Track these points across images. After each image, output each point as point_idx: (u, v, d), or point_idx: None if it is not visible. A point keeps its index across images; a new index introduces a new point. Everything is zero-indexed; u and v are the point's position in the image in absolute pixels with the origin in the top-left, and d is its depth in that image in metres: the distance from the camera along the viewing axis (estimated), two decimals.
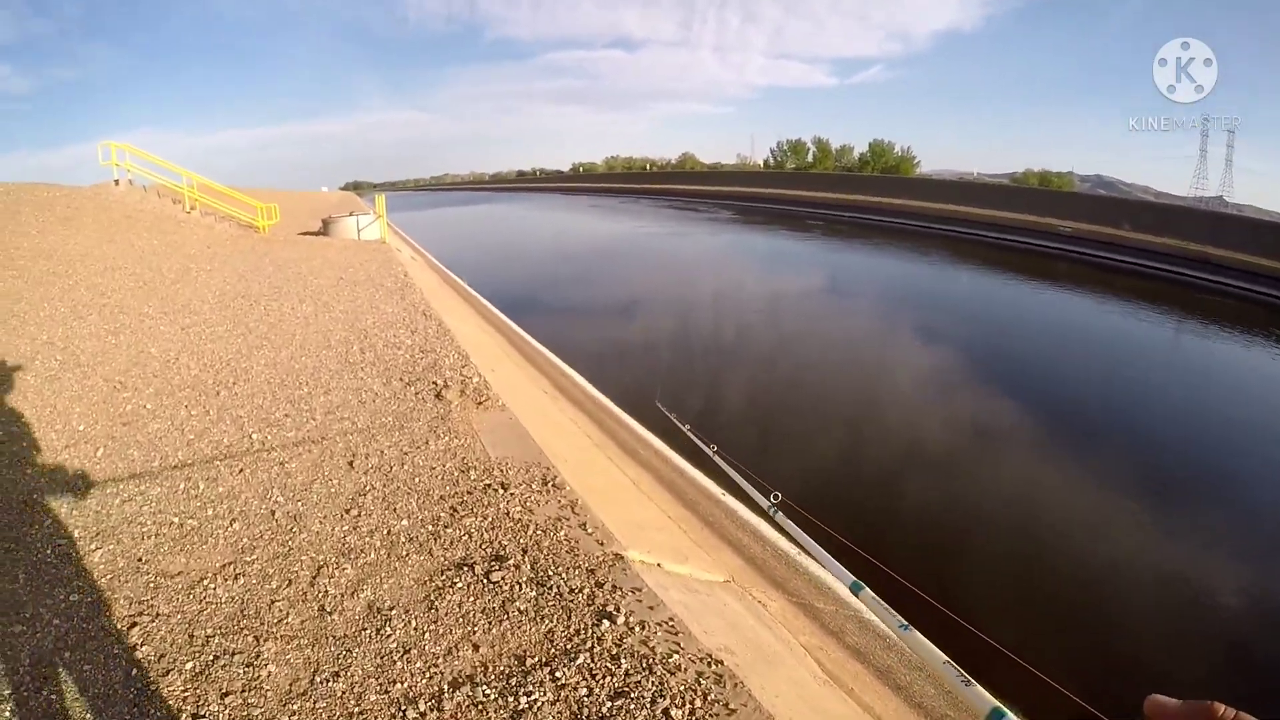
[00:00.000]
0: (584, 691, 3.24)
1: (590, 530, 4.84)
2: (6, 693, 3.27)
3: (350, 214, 24.85)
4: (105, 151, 22.53)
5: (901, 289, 25.25)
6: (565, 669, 3.38)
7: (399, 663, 3.45)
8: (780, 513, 3.66)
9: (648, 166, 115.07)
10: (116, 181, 22.94)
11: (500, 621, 3.78)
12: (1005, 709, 1.75)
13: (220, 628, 3.73)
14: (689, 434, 5.20)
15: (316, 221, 25.91)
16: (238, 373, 8.28)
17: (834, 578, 3.66)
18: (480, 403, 7.26)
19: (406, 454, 6.04)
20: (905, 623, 2.37)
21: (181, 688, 3.28)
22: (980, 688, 1.85)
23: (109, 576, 4.18)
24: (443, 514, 4.98)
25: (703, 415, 10.65)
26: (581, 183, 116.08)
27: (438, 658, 3.49)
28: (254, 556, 4.42)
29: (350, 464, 5.81)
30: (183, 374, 8.25)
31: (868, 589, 2.85)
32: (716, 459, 4.66)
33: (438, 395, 7.39)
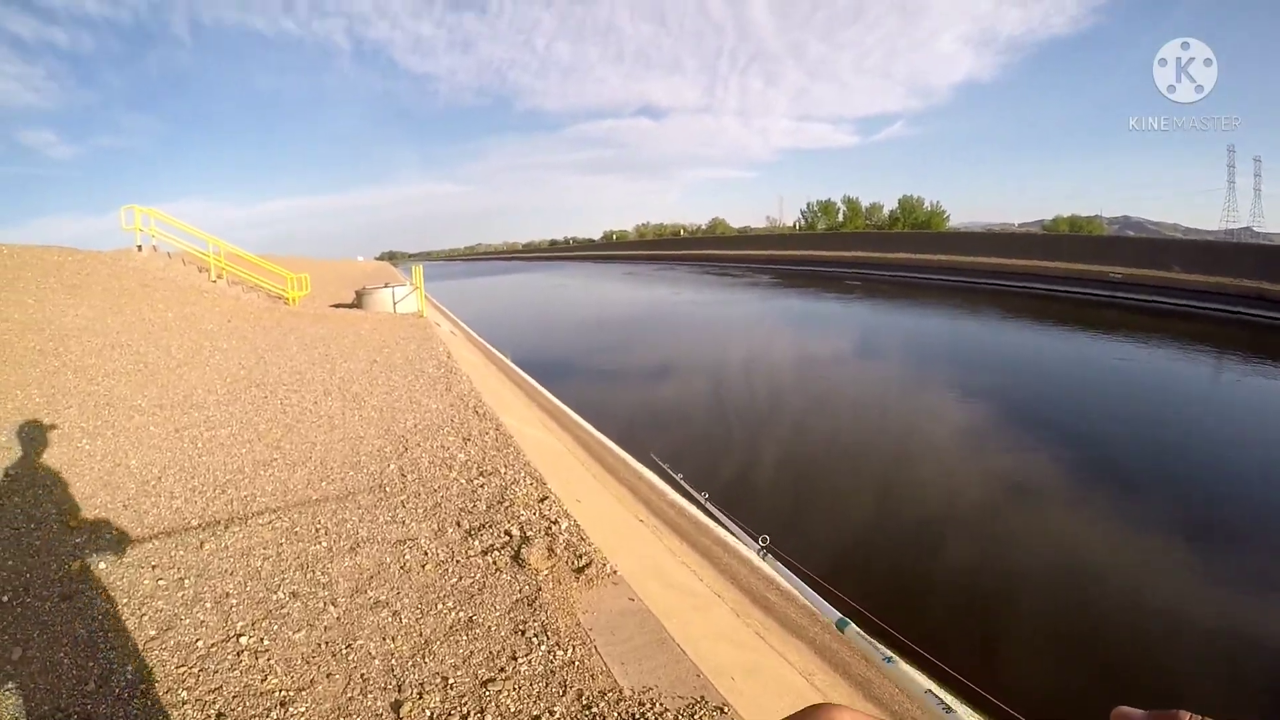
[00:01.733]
0: None
1: None
2: None
3: (385, 285, 22.76)
4: (129, 215, 20.71)
5: (967, 352, 23.14)
6: None
7: None
8: (769, 555, 3.55)
9: (680, 232, 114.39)
10: (139, 247, 21.12)
11: None
12: None
13: None
14: (680, 482, 4.75)
15: (350, 292, 23.87)
16: (233, 507, 5.93)
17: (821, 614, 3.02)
18: (580, 569, 4.81)
19: (486, 686, 3.59)
20: (890, 655, 2.43)
21: None
22: (960, 715, 1.87)
23: None
24: None
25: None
26: (613, 250, 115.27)
27: None
28: None
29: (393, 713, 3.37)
30: (160, 507, 5.94)
31: (853, 625, 2.85)
32: (708, 505, 4.30)
33: (515, 556, 4.95)
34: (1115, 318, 28.60)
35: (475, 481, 6.44)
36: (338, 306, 21.80)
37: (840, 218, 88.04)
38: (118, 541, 5.24)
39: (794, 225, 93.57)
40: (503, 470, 6.77)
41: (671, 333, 29.44)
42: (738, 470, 11.53)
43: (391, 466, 6.85)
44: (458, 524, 5.51)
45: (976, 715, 4.26)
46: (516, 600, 4.35)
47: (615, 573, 4.79)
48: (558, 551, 5.00)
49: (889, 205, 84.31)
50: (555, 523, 5.54)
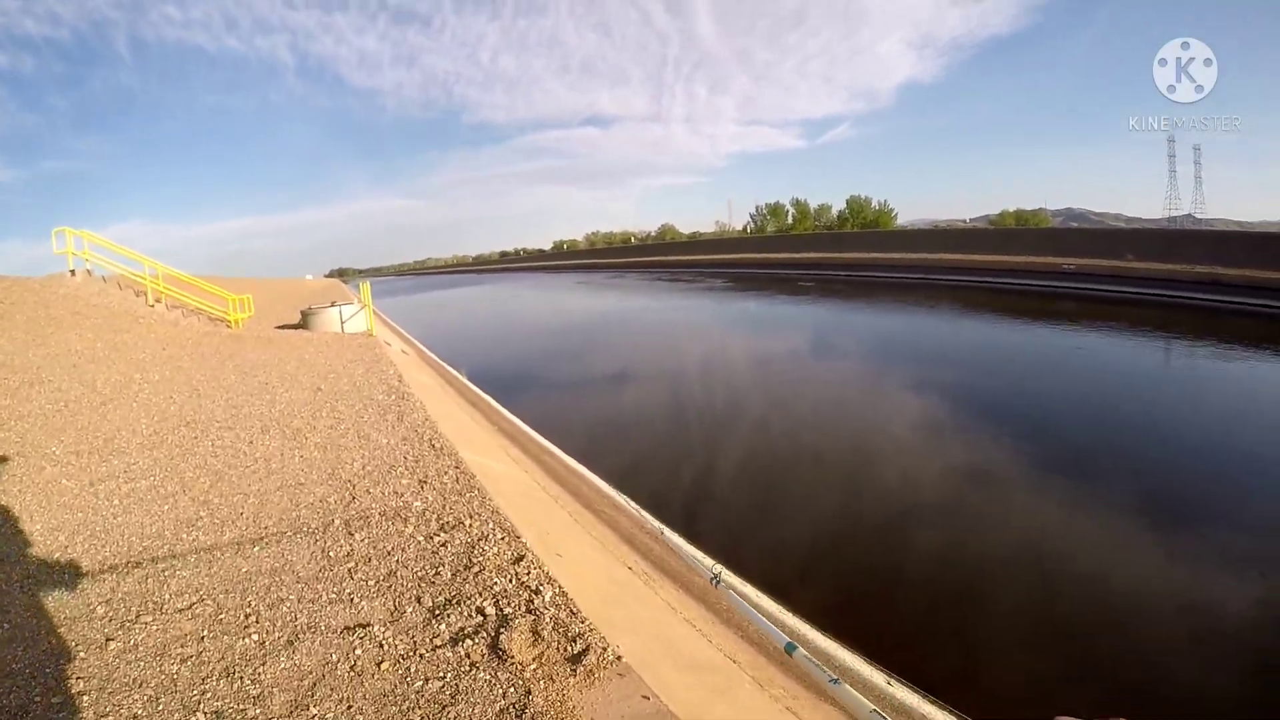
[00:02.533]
0: None
1: None
2: None
3: (332, 304, 21.57)
4: (61, 239, 19.31)
5: (930, 349, 22.95)
6: None
7: None
8: (720, 583, 4.73)
9: (631, 240, 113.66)
10: (73, 272, 19.75)
11: None
12: None
13: None
14: (635, 511, 5.61)
15: (297, 312, 22.64)
16: (148, 586, 4.94)
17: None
18: (576, 656, 3.90)
19: None
20: (835, 676, 3.10)
21: None
22: None
23: None
24: None
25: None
26: (565, 260, 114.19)
27: None
28: None
29: None
30: (61, 589, 4.95)
31: (801, 649, 3.73)
32: (664, 532, 5.34)
33: (493, 644, 4.02)
34: (1072, 308, 28.69)
35: (436, 539, 5.51)
36: (283, 328, 20.59)
37: (790, 220, 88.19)
38: None
39: (744, 229, 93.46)
40: (467, 521, 5.85)
41: (630, 341, 28.76)
42: (700, 479, 11.57)
43: (336, 522, 5.89)
44: (418, 600, 4.58)
45: None
46: (501, 711, 3.43)
47: (619, 659, 3.89)
48: (545, 635, 4.10)
49: (837, 206, 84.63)
50: (537, 592, 4.64)
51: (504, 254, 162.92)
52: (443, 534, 5.59)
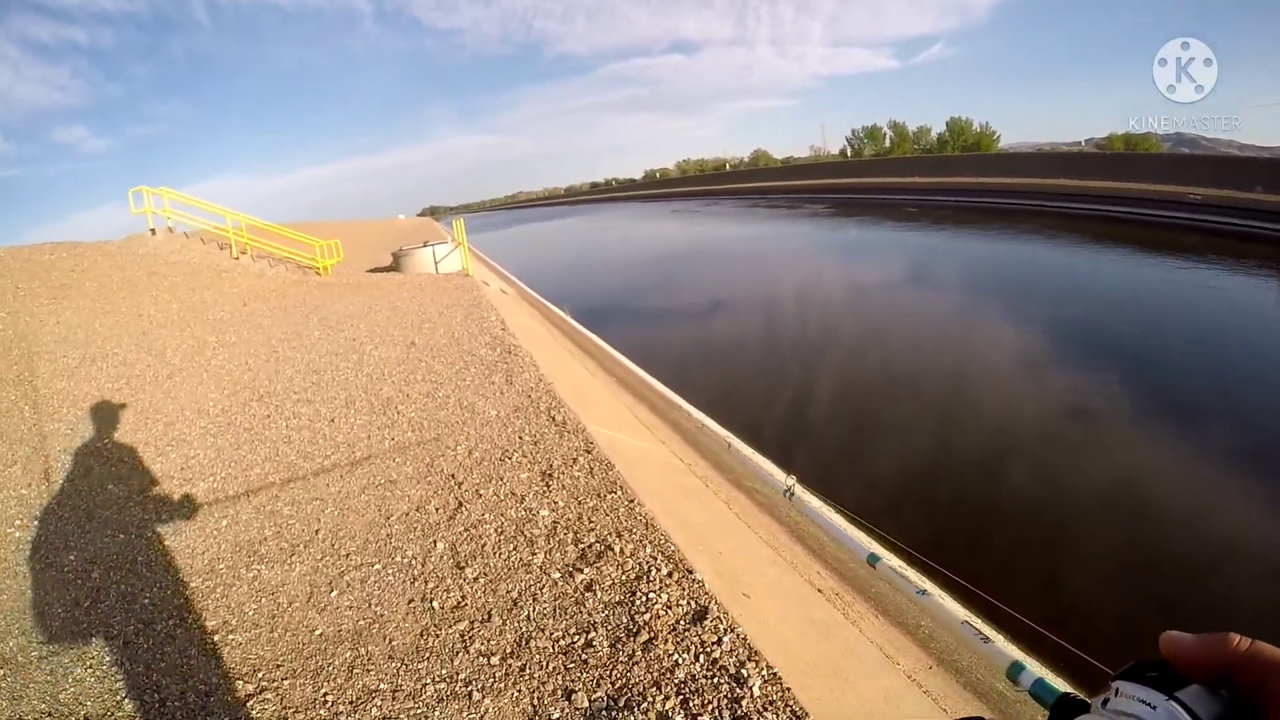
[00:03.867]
0: None
1: None
2: None
3: (425, 244, 20.09)
4: (138, 199, 18.27)
5: (1073, 288, 20.20)
6: None
7: None
8: (794, 495, 4.56)
9: (725, 166, 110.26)
10: (153, 231, 18.72)
11: None
12: (1024, 662, 2.14)
13: None
14: (709, 421, 5.65)
15: (388, 254, 21.31)
16: (194, 662, 3.39)
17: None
18: None
19: None
20: (923, 588, 3.02)
21: None
22: (998, 643, 2.14)
23: None
24: None
25: None
26: (656, 189, 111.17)
27: None
28: None
29: None
30: (67, 678, 3.43)
31: (884, 559, 3.60)
32: (736, 444, 5.37)
33: None
34: (1199, 242, 25.59)
35: (578, 577, 3.82)
36: (375, 271, 19.30)
37: (887, 143, 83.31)
38: None
39: (841, 153, 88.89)
40: (616, 543, 4.13)
41: (749, 274, 26.55)
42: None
43: (439, 548, 4.25)
44: (567, 697, 2.89)
45: (1014, 645, 4.06)
46: None
47: None
48: None
49: (936, 128, 79.26)
50: (739, 679, 2.91)
51: (595, 185, 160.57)
52: (586, 568, 3.89)
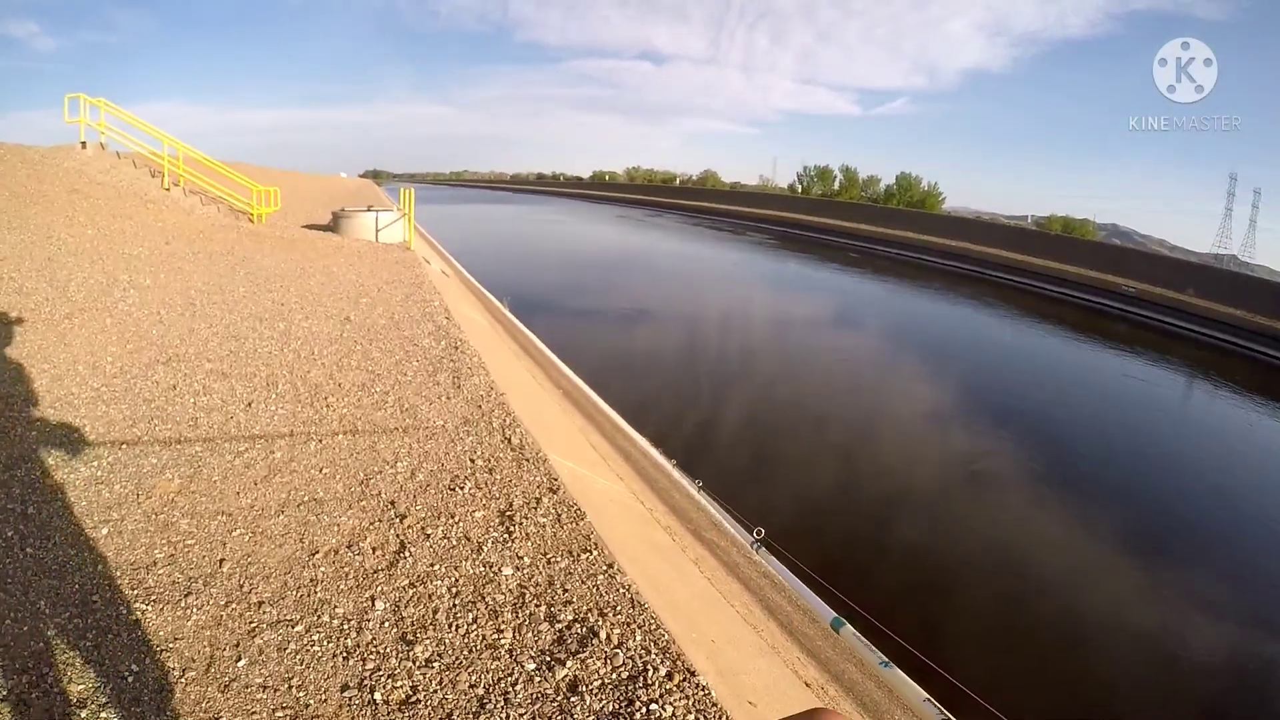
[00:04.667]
0: None
1: None
2: None
3: (369, 208, 18.81)
4: (74, 107, 16.59)
5: (1002, 359, 21.08)
6: None
7: None
8: (763, 549, 4.30)
9: (675, 180, 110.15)
10: (83, 144, 17.09)
11: None
12: None
13: None
14: (673, 470, 5.11)
15: (328, 212, 19.94)
16: None
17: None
18: None
19: None
20: (886, 660, 2.91)
21: None
22: None
23: None
24: None
25: None
26: (602, 190, 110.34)
27: None
28: None
29: None
30: None
31: (849, 625, 3.41)
32: (699, 496, 4.88)
33: None
34: (1127, 332, 26.68)
35: (558, 670, 2.95)
36: (311, 228, 17.93)
37: (836, 185, 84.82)
38: None
39: (790, 187, 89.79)
40: (599, 624, 3.30)
41: (697, 292, 26.05)
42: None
43: (379, 607, 3.31)
44: None
45: None
46: None
47: None
48: None
49: (886, 180, 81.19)
50: None
51: (541, 176, 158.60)
52: (567, 659, 3.03)
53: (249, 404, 5.65)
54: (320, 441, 5.06)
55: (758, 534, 5.70)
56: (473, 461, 5.00)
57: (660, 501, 6.64)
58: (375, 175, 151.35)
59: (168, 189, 16.69)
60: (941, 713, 2.68)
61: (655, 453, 7.91)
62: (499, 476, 4.80)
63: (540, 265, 31.04)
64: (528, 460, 5.13)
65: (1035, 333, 25.23)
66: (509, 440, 5.46)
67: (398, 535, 3.94)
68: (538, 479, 4.84)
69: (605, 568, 3.84)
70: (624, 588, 3.66)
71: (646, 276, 29.16)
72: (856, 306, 26.64)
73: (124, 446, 4.75)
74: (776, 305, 24.91)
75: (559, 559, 3.88)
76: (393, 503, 4.30)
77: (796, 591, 4.94)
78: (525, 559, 3.83)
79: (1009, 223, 70.02)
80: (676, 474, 7.26)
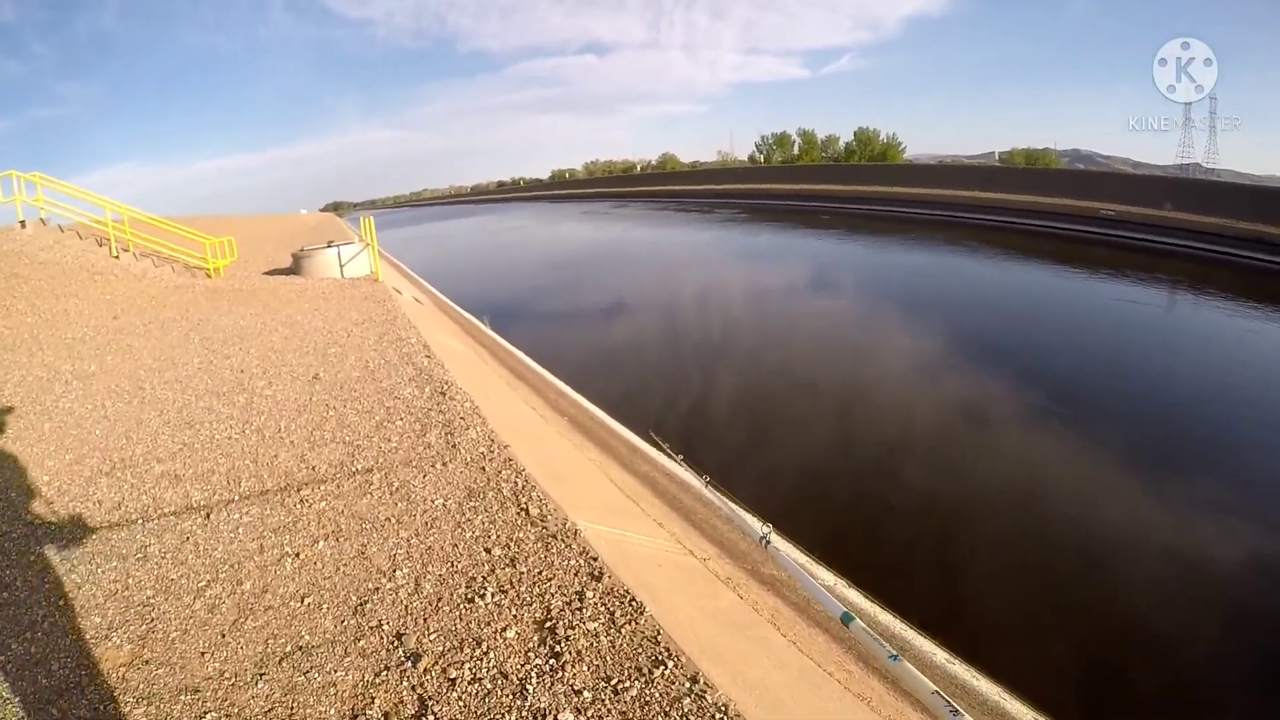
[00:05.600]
0: None
1: None
2: None
3: (329, 244, 17.68)
4: (6, 185, 15.44)
5: (994, 298, 20.07)
6: None
7: None
8: (770, 544, 4.04)
9: (635, 168, 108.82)
10: (22, 223, 15.91)
11: None
12: None
13: None
14: (680, 464, 4.84)
15: (288, 254, 18.80)
16: None
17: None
18: None
19: None
20: (895, 653, 2.66)
21: None
22: (968, 717, 1.90)
23: None
24: None
25: None
26: (564, 189, 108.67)
27: None
28: None
29: None
30: None
31: (858, 620, 3.14)
32: (707, 491, 4.65)
33: None
34: (1109, 256, 25.58)
35: None
36: (273, 273, 16.83)
37: (795, 150, 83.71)
38: None
39: (749, 159, 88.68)
40: None
41: (675, 281, 24.95)
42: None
43: None
44: None
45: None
46: None
47: None
48: None
49: (845, 138, 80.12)
50: None
51: (501, 184, 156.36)
52: None
53: (207, 515, 4.64)
54: (297, 557, 4.06)
55: (764, 529, 4.65)
56: (488, 552, 4.02)
57: (707, 540, 5.67)
58: (336, 207, 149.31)
59: (116, 256, 15.56)
60: (949, 704, 2.53)
61: (685, 473, 6.87)
62: (526, 569, 3.82)
63: (514, 275, 29.85)
64: (555, 536, 4.15)
65: (1022, 270, 24.42)
66: (526, 511, 4.49)
67: (414, 689, 2.96)
68: (573, 562, 3.86)
69: (688, 684, 2.90)
70: (719, 709, 2.71)
71: (622, 269, 28.11)
72: (839, 271, 25.52)
73: (61, 605, 3.74)
74: (761, 280, 23.80)
75: (628, 682, 2.92)
76: (399, 636, 3.31)
77: (807, 586, 4.02)
78: (585, 694, 2.87)
79: (971, 163, 69.63)
80: (709, 494, 6.24)
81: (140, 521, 4.59)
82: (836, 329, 16.67)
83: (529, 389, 9.74)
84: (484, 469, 5.14)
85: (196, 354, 8.84)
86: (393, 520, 4.44)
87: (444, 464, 5.25)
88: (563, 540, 4.12)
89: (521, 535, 4.20)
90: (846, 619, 3.69)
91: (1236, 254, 24.09)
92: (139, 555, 4.19)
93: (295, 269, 16.74)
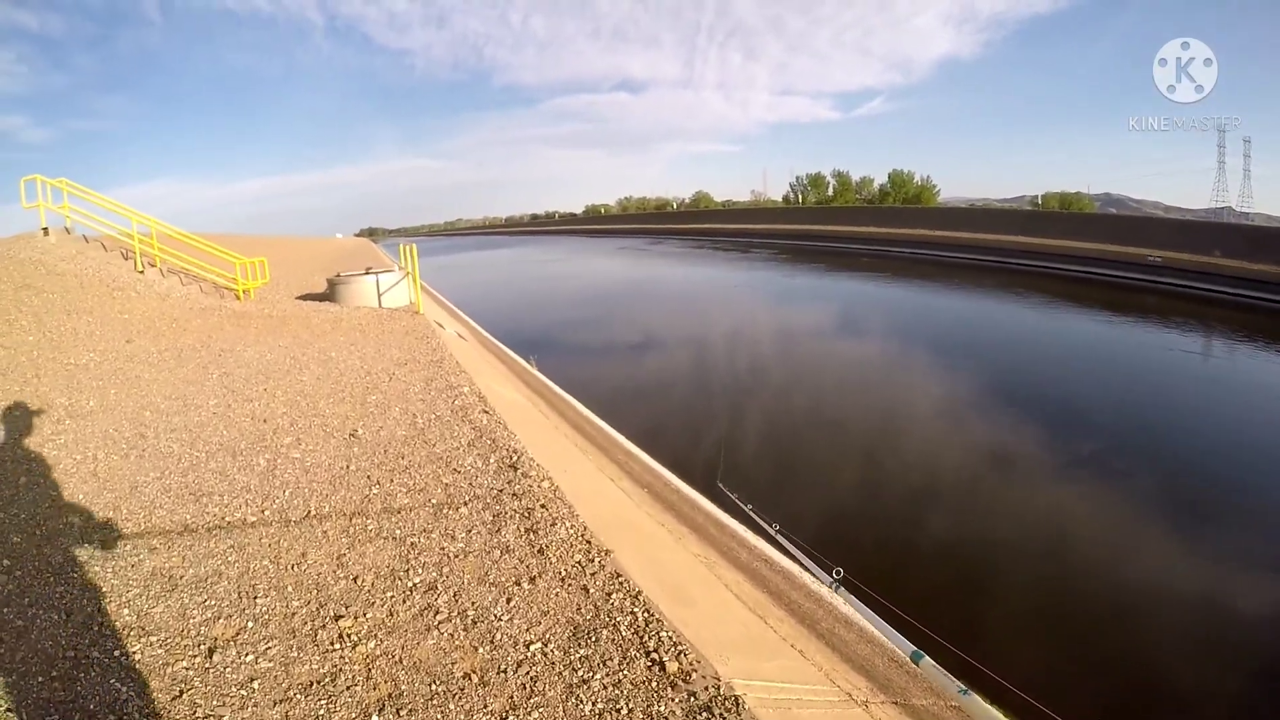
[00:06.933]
0: None
1: None
2: None
3: (368, 270, 16.54)
4: (30, 189, 14.42)
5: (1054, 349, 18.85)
6: None
7: None
8: (842, 588, 4.15)
9: (671, 205, 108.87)
10: (45, 230, 14.91)
11: None
12: None
13: None
14: (751, 513, 4.85)
15: (323, 279, 17.65)
16: None
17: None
18: None
19: None
20: (965, 687, 2.69)
21: None
22: None
23: None
24: None
25: None
26: (598, 224, 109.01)
27: None
28: None
29: None
30: None
31: (928, 657, 3.23)
32: (779, 537, 4.71)
33: None
34: (1159, 303, 24.75)
35: None
36: (306, 298, 15.68)
37: (830, 191, 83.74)
38: None
39: (784, 199, 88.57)
40: None
41: (736, 320, 23.86)
42: None
43: None
44: None
45: None
46: None
47: None
48: None
49: (878, 179, 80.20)
50: None
51: (535, 217, 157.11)
52: None
53: (210, 653, 3.24)
54: None
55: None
56: None
57: (853, 669, 4.20)
58: (371, 233, 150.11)
59: (141, 271, 14.49)
60: None
61: (803, 574, 5.41)
62: None
63: (559, 310, 28.33)
64: (709, 709, 2.74)
65: (1086, 319, 23.26)
66: (660, 662, 3.10)
67: None
68: None
69: None
70: None
71: (672, 307, 26.86)
72: (895, 317, 24.44)
73: None
74: (817, 324, 23.07)
75: None
76: None
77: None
78: None
79: (1004, 206, 68.83)
80: (842, 605, 4.82)
81: (116, 651, 3.21)
82: (902, 380, 15.30)
83: (598, 451, 8.31)
84: (587, 589, 3.75)
85: (214, 394, 7.54)
86: (472, 676, 3.05)
87: (530, 578, 3.86)
88: (721, 715, 2.72)
89: (663, 710, 2.80)
90: (916, 657, 3.89)
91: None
92: (112, 707, 2.80)
93: (330, 295, 15.62)
